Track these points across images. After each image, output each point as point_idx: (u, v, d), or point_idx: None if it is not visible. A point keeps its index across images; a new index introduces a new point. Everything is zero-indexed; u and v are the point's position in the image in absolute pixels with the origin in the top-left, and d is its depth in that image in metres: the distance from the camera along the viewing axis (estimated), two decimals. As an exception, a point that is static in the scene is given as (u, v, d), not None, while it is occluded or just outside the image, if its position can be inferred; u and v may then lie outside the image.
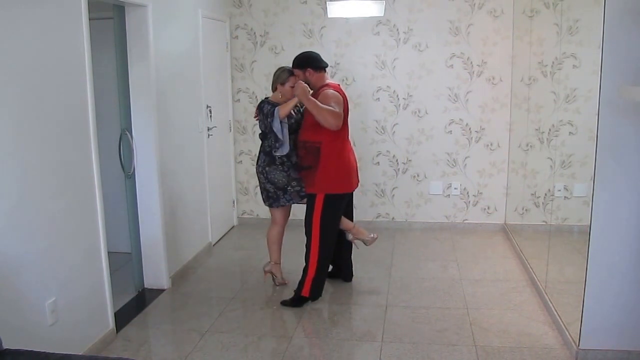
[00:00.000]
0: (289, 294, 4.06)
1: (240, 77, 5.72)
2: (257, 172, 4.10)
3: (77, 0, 3.09)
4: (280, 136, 3.84)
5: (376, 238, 4.24)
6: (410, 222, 5.76)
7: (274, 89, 4.03)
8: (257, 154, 4.12)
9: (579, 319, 3.12)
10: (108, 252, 3.44)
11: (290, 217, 4.25)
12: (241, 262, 5.02)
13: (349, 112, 3.96)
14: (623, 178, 2.96)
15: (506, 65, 5.35)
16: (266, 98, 4.06)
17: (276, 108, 3.80)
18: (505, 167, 5.52)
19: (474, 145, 5.54)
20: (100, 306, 3.38)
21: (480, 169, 5.58)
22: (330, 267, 4.18)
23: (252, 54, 5.66)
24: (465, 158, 5.58)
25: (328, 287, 4.16)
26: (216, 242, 5.38)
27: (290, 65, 3.97)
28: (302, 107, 3.95)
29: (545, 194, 4.19)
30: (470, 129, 5.51)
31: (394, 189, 5.73)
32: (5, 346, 2.21)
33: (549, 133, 4.08)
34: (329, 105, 3.65)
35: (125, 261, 4.50)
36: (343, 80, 5.50)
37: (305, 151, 3.89)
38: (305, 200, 3.99)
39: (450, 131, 5.54)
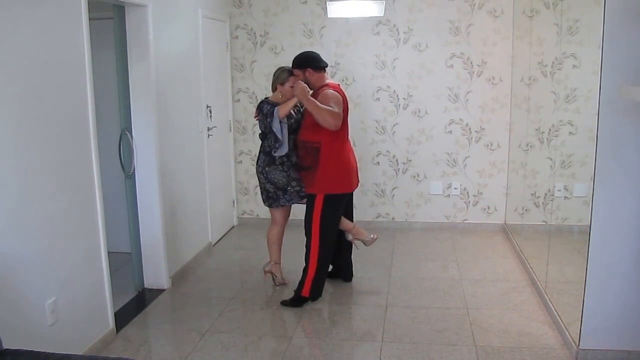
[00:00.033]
0: (289, 294, 4.06)
1: (240, 77, 5.72)
2: (257, 172, 4.10)
3: (77, 0, 3.09)
4: (279, 136, 3.84)
5: (376, 238, 4.24)
6: (410, 222, 5.76)
7: (274, 89, 4.03)
8: (257, 154, 4.12)
9: (579, 319, 3.12)
10: (108, 252, 3.44)
11: (290, 217, 4.25)
12: (241, 262, 5.03)
13: (349, 112, 3.96)
14: (623, 178, 2.96)
15: (506, 65, 5.35)
16: (266, 98, 4.06)
17: (275, 108, 3.80)
18: (505, 167, 5.52)
19: (474, 145, 5.54)
20: (100, 306, 3.38)
21: (480, 169, 5.58)
22: (330, 267, 4.18)
23: (252, 54, 5.66)
24: (465, 158, 5.58)
25: (328, 287, 4.16)
26: (216, 242, 5.38)
27: (290, 65, 3.97)
28: (302, 107, 3.94)
29: (545, 194, 4.19)
30: (470, 129, 5.52)
31: (394, 189, 5.73)
32: (5, 346, 2.21)
33: (549, 133, 4.08)
34: (329, 106, 3.65)
35: (125, 261, 4.50)
36: (343, 80, 5.50)
37: (305, 151, 3.89)
38: (305, 200, 3.99)
39: (450, 131, 5.54)
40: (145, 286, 4.25)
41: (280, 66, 4.14)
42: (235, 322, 3.74)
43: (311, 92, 3.79)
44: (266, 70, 5.57)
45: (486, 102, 5.44)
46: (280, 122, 3.81)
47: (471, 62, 5.39)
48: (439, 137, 5.57)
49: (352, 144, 4.10)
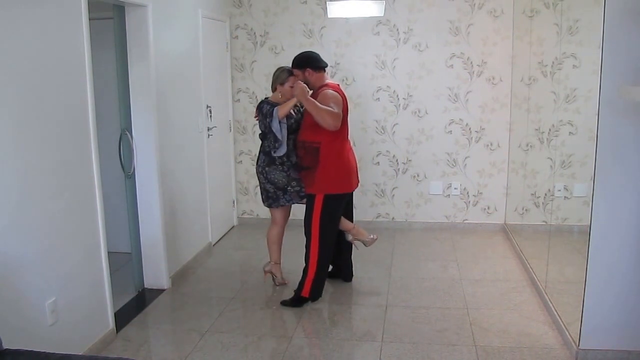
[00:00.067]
0: (289, 294, 4.06)
1: (240, 77, 5.72)
2: (257, 172, 4.10)
3: (77, 0, 3.09)
4: (279, 136, 3.84)
5: (376, 239, 4.24)
6: (410, 222, 5.76)
7: (274, 89, 4.03)
8: (257, 154, 4.12)
9: (579, 319, 3.12)
10: (108, 252, 3.44)
11: (290, 217, 4.25)
12: (241, 262, 5.03)
13: (349, 112, 3.96)
14: (623, 178, 2.96)
15: (506, 65, 5.35)
16: (266, 98, 4.06)
17: (275, 108, 3.80)
18: (505, 167, 5.52)
19: (474, 145, 5.54)
20: (100, 306, 3.38)
21: (480, 169, 5.58)
22: (330, 267, 4.18)
23: (252, 54, 5.66)
24: (465, 158, 5.58)
25: (328, 287, 4.16)
26: (216, 242, 5.38)
27: (290, 65, 3.97)
28: (302, 107, 3.94)
29: (545, 194, 4.19)
30: (470, 129, 5.52)
31: (394, 189, 5.73)
32: (5, 346, 2.21)
33: (549, 133, 4.08)
34: (328, 106, 3.65)
35: (125, 261, 4.50)
36: (343, 80, 5.50)
37: (305, 151, 3.88)
38: (305, 200, 3.99)
39: (450, 131, 5.54)
40: (145, 286, 4.25)
41: (280, 66, 4.14)
42: (235, 322, 3.74)
43: (311, 92, 3.79)
44: (266, 70, 5.57)
45: (486, 102, 5.44)
46: (280, 122, 3.81)
47: (471, 62, 5.39)
48: (439, 137, 5.57)
49: (352, 144, 4.10)
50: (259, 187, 4.19)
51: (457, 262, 4.77)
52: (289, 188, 4.00)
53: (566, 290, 3.66)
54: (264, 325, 3.72)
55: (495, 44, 5.33)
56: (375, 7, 5.10)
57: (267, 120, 3.83)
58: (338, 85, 3.94)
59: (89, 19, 3.17)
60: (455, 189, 5.64)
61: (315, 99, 3.70)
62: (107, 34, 4.07)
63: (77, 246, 3.14)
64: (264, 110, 3.86)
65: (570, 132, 3.76)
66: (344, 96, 3.86)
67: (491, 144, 5.51)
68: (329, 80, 3.92)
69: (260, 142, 4.07)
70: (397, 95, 5.53)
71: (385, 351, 3.32)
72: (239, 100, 5.77)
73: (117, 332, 3.53)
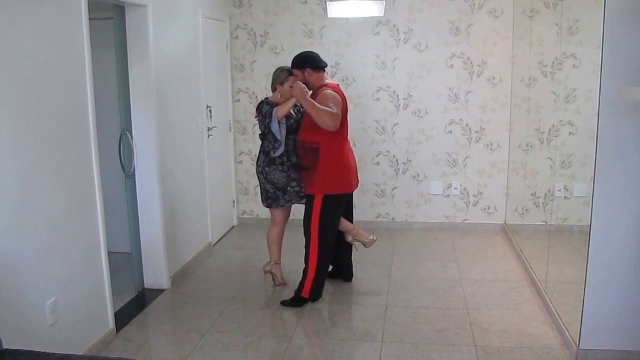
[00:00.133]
0: (289, 294, 4.06)
1: (240, 77, 5.72)
2: (257, 172, 4.10)
3: (77, 0, 3.09)
4: (278, 137, 3.84)
5: (375, 240, 4.24)
6: (410, 222, 5.76)
7: (274, 89, 4.03)
8: (257, 154, 4.12)
9: (579, 319, 3.12)
10: (108, 252, 3.44)
11: (290, 217, 4.25)
12: (241, 262, 5.03)
13: (349, 112, 3.95)
14: (623, 178, 2.96)
15: (506, 65, 5.35)
16: (266, 98, 4.06)
17: (274, 109, 3.80)
18: (505, 167, 5.52)
19: (474, 145, 5.54)
20: (100, 306, 3.38)
21: (480, 169, 5.58)
22: (330, 267, 4.18)
23: (252, 54, 5.66)
24: (465, 158, 5.58)
25: (328, 287, 4.16)
26: (216, 242, 5.38)
27: (290, 65, 3.97)
28: (302, 107, 3.94)
29: (545, 194, 4.19)
30: (470, 129, 5.52)
31: (394, 189, 5.73)
32: (5, 346, 2.21)
33: (549, 133, 4.08)
34: (327, 106, 3.64)
35: (125, 261, 4.50)
36: (343, 80, 5.50)
37: (304, 151, 3.88)
38: (304, 200, 3.99)
39: (450, 131, 5.54)
40: (145, 286, 4.25)
41: (279, 66, 4.14)
42: (235, 322, 3.74)
43: (310, 92, 3.78)
44: (266, 70, 5.57)
45: (486, 102, 5.44)
46: (279, 122, 3.81)
47: (471, 62, 5.39)
48: (439, 137, 5.57)
49: (351, 144, 4.10)
50: (259, 187, 4.19)
51: (457, 262, 4.77)
52: (288, 188, 4.00)
53: (566, 290, 3.66)
54: (264, 325, 3.72)
55: (495, 44, 5.33)
56: (375, 7, 5.10)
57: (267, 120, 3.83)
58: (338, 85, 3.93)
59: (89, 19, 3.17)
60: (455, 189, 5.64)
61: (315, 99, 3.69)
62: (107, 34, 4.07)
63: (77, 246, 3.14)
64: (264, 110, 3.86)
65: (570, 132, 3.76)
66: (344, 96, 3.86)
67: (491, 144, 5.51)
68: (328, 80, 3.92)
69: (260, 142, 4.07)
70: (397, 95, 5.53)
71: (385, 351, 3.32)
72: (239, 100, 5.77)
73: (117, 332, 3.53)
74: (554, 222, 4.00)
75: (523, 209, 4.89)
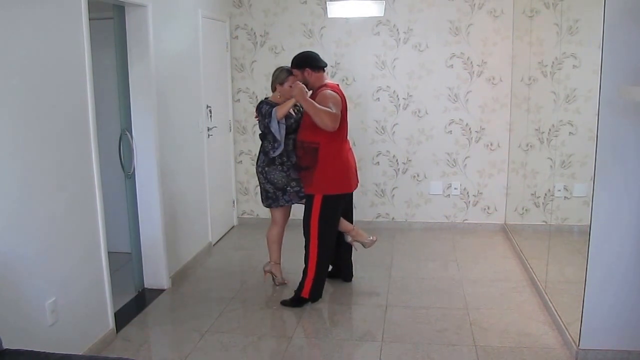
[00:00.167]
0: (289, 294, 4.06)
1: (240, 77, 5.72)
2: (256, 172, 4.10)
3: (77, 0, 3.09)
4: (277, 137, 3.84)
5: (375, 240, 4.24)
6: (410, 222, 5.76)
7: (274, 89, 4.03)
8: (257, 154, 4.12)
9: (579, 319, 3.12)
10: (108, 252, 3.44)
11: (290, 217, 4.25)
12: (241, 262, 5.03)
13: (348, 112, 3.95)
14: (623, 178, 2.96)
15: (506, 65, 5.35)
16: (266, 98, 4.06)
17: (274, 109, 3.80)
18: (505, 167, 5.52)
19: (474, 145, 5.54)
20: (100, 306, 3.38)
21: (480, 169, 5.58)
22: (330, 267, 4.18)
23: (252, 54, 5.66)
24: (465, 158, 5.58)
25: (328, 287, 4.16)
26: (216, 242, 5.38)
27: (290, 65, 3.97)
28: (302, 107, 3.94)
29: (545, 194, 4.19)
30: (470, 129, 5.52)
31: (394, 189, 5.73)
32: (5, 346, 2.21)
33: (549, 133, 4.08)
34: (327, 106, 3.64)
35: (125, 261, 4.49)
36: (343, 80, 5.50)
37: (304, 151, 3.88)
38: (304, 200, 3.99)
39: (450, 131, 5.54)
40: (145, 286, 4.25)
41: (279, 66, 4.14)
42: (235, 322, 3.74)
43: (310, 92, 3.78)
44: (266, 70, 5.56)
45: (486, 102, 5.44)
46: (279, 122, 3.81)
47: (471, 62, 5.39)
48: (439, 137, 5.57)
49: (351, 144, 4.10)
50: (259, 187, 4.19)
51: (457, 262, 4.77)
52: (288, 188, 4.00)
53: (566, 290, 3.66)
54: (264, 325, 3.72)
55: (495, 44, 5.33)
56: (375, 7, 5.10)
57: (266, 120, 3.83)
58: (337, 85, 3.93)
59: (89, 19, 3.17)
60: (455, 189, 5.64)
61: (314, 99, 3.69)
62: (107, 34, 4.07)
63: (77, 246, 3.14)
64: (263, 110, 3.86)
65: (570, 132, 3.76)
66: (343, 96, 3.86)
67: (491, 144, 5.51)
68: (328, 80, 3.92)
69: (260, 142, 4.07)
70: (397, 95, 5.53)
71: (385, 351, 3.32)
72: (239, 100, 5.77)
73: (117, 332, 3.53)
74: (554, 222, 4.00)
75: (523, 209, 4.89)
